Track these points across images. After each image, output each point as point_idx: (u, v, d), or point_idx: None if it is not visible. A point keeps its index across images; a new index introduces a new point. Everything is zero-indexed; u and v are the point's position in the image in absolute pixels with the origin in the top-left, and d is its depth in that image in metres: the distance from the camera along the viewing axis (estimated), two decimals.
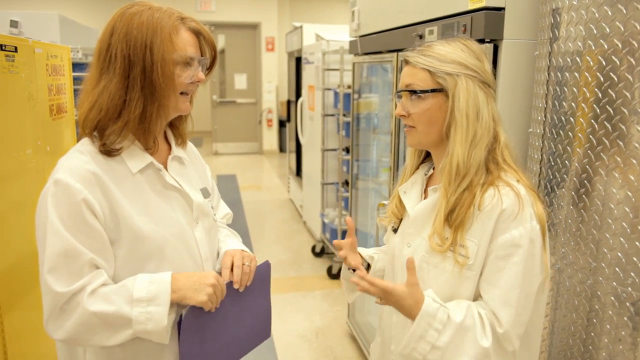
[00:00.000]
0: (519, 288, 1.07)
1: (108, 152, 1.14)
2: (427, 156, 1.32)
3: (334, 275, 4.12)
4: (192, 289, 1.12)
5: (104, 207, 1.10)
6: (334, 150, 4.45)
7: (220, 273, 1.27)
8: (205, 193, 1.34)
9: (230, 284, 1.23)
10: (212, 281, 1.15)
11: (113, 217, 1.11)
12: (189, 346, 1.16)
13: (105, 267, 1.11)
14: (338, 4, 10.53)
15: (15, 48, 1.85)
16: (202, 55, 1.20)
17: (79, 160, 1.11)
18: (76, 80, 2.64)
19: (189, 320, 1.14)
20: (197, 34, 1.18)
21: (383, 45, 2.47)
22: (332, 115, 4.40)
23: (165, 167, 1.24)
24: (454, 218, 1.12)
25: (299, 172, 6.03)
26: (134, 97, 1.11)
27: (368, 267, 1.41)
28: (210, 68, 1.24)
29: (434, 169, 1.29)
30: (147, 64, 1.10)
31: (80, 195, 1.06)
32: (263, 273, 1.34)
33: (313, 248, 4.68)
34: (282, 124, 9.81)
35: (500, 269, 1.09)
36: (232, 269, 1.25)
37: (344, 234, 4.13)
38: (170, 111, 1.19)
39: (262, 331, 1.38)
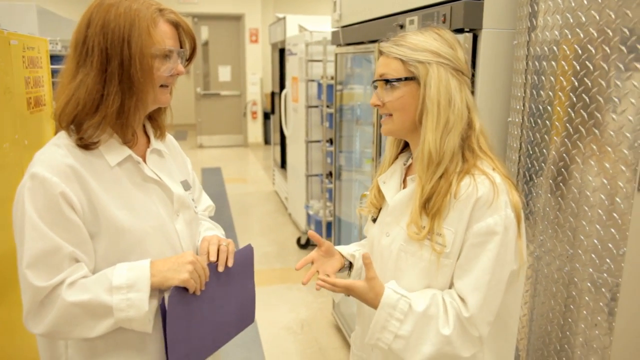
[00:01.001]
0: (489, 274, 1.09)
1: (85, 145, 1.12)
2: (406, 146, 1.33)
3: None
4: (171, 269, 1.12)
5: (82, 200, 1.08)
6: (318, 142, 4.44)
7: None
8: (186, 185, 1.33)
9: (212, 267, 1.22)
10: (191, 258, 1.14)
11: (92, 210, 1.10)
12: (175, 330, 1.15)
13: (86, 261, 1.10)
14: None
15: None
16: (181, 47, 1.18)
17: (56, 153, 1.10)
18: (55, 72, 2.60)
19: (173, 302, 1.13)
20: (176, 25, 1.17)
21: (365, 35, 2.47)
22: (316, 106, 4.39)
23: (144, 160, 1.23)
24: (431, 206, 1.13)
25: (283, 164, 6.02)
26: (112, 91, 1.09)
27: (350, 266, 1.41)
28: (189, 59, 1.23)
29: (412, 158, 1.29)
30: (125, 58, 1.08)
31: (58, 189, 1.05)
32: (246, 256, 1.34)
33: (298, 240, 4.69)
34: (266, 116, 9.77)
35: (475, 256, 1.10)
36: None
37: (328, 225, 4.14)
38: (149, 104, 1.17)
39: (246, 316, 1.38)
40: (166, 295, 1.13)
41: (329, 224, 4.15)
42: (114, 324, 1.08)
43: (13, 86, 2.01)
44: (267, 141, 10.07)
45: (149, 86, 1.13)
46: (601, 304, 1.28)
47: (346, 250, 1.41)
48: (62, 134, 1.14)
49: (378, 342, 1.15)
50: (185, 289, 1.15)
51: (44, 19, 3.60)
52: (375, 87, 1.22)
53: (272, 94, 6.64)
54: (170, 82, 1.19)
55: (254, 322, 3.27)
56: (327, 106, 3.97)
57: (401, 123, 1.19)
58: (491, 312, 1.11)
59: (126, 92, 1.10)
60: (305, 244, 4.62)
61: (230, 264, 1.25)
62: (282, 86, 5.72)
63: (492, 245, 1.09)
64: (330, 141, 4.01)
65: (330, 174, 4.03)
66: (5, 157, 1.92)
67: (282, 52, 5.74)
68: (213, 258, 1.22)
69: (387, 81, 1.17)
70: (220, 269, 1.23)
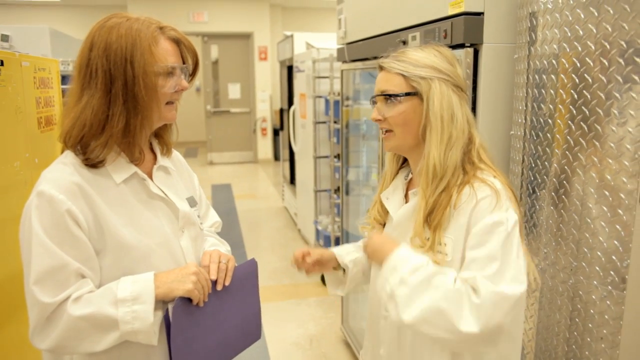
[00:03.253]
0: (496, 256, 1.05)
1: (92, 164, 1.14)
2: (405, 161, 1.34)
3: None
4: (176, 280, 1.14)
5: (88, 217, 1.10)
6: (326, 157, 4.46)
7: None
8: (192, 202, 1.34)
9: (214, 280, 1.24)
10: (194, 269, 1.16)
11: (97, 227, 1.11)
12: (180, 341, 1.16)
13: (92, 277, 1.11)
14: (329, 13, 10.60)
15: (1, 62, 1.87)
16: (183, 63, 1.21)
17: (62, 171, 1.12)
18: (66, 92, 2.65)
19: (177, 312, 1.14)
20: (177, 42, 1.19)
21: (369, 51, 2.50)
22: (324, 122, 4.42)
23: (151, 177, 1.24)
24: (432, 219, 1.13)
25: (293, 180, 6.04)
26: (117, 111, 1.11)
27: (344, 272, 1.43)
28: (192, 75, 1.25)
29: (412, 173, 1.30)
30: (128, 78, 1.10)
31: (64, 207, 1.07)
32: (249, 271, 1.34)
33: None
34: (276, 133, 9.84)
35: (476, 258, 1.06)
36: None
37: (337, 240, 4.14)
38: (155, 122, 1.19)
39: (252, 332, 1.38)
40: (170, 307, 1.14)
41: (337, 239, 4.14)
42: (119, 337, 1.09)
43: (24, 106, 2.06)
44: (277, 157, 10.12)
45: (153, 104, 1.14)
46: (606, 316, 1.26)
47: (342, 258, 1.43)
48: (69, 152, 1.16)
49: (385, 285, 1.11)
50: (189, 300, 1.16)
51: (56, 40, 3.69)
52: (374, 103, 1.23)
53: (281, 110, 6.69)
54: (175, 99, 1.21)
55: (262, 338, 3.26)
56: (335, 122, 3.99)
57: (403, 139, 1.20)
58: (501, 294, 1.01)
59: (131, 111, 1.12)
60: None
61: (227, 283, 1.26)
62: (290, 103, 5.76)
63: (492, 243, 1.05)
64: (338, 156, 4.03)
65: (338, 189, 4.04)
66: (16, 175, 1.96)
67: (290, 69, 5.80)
68: (213, 277, 1.23)
69: (389, 96, 1.18)
70: (219, 287, 1.24)
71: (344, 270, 1.43)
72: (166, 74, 1.15)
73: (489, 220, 1.07)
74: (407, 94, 1.16)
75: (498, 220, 1.06)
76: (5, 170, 1.88)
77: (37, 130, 2.20)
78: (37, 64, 2.24)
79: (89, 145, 1.13)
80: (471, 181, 1.13)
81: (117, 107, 1.11)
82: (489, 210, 1.08)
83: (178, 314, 1.14)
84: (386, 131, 1.23)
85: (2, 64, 1.87)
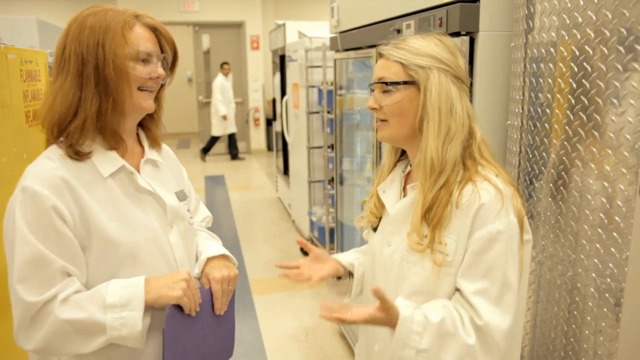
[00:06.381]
0: (497, 282, 1.06)
1: (77, 154, 1.11)
2: (404, 153, 1.31)
3: None
4: (165, 286, 1.12)
5: (74, 213, 1.08)
6: (320, 147, 4.43)
7: (199, 278, 1.28)
8: (181, 196, 1.32)
9: (204, 292, 1.22)
10: (185, 276, 1.15)
11: (84, 223, 1.09)
12: (173, 349, 1.15)
13: (78, 275, 1.09)
14: (321, 1, 10.49)
15: None
16: (162, 52, 1.18)
17: (47, 166, 1.09)
18: None
19: (170, 322, 1.13)
20: (153, 29, 1.17)
21: (362, 40, 2.46)
22: (317, 112, 4.38)
23: (138, 171, 1.21)
24: (432, 217, 1.10)
25: (286, 170, 6.01)
26: (89, 94, 1.10)
27: (350, 275, 1.38)
28: (172, 67, 1.22)
29: (411, 165, 1.27)
30: (99, 61, 1.09)
31: (49, 202, 1.04)
32: None
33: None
34: (269, 123, 9.78)
35: (477, 263, 1.07)
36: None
37: (331, 231, 4.12)
38: (128, 108, 1.15)
39: (227, 348, 1.37)
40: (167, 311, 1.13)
41: (331, 230, 4.12)
42: (106, 341, 1.07)
43: (10, 100, 2.01)
44: (270, 148, 10.06)
45: (124, 86, 1.12)
46: (605, 309, 1.25)
47: (345, 259, 1.39)
48: (54, 146, 1.14)
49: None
50: (181, 309, 1.15)
51: (44, 31, 3.61)
52: (372, 90, 1.20)
53: (274, 100, 6.64)
54: (151, 87, 1.17)
55: (257, 330, 3.25)
56: (328, 112, 3.95)
57: (398, 129, 1.16)
58: (504, 319, 1.06)
59: (102, 94, 1.11)
60: None
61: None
62: (283, 92, 5.71)
63: (493, 253, 1.06)
64: (332, 147, 4.00)
65: (332, 179, 4.02)
66: (4, 170, 1.92)
67: (282, 58, 5.74)
68: (218, 311, 1.25)
69: (386, 84, 1.14)
70: (221, 312, 1.26)
71: (350, 275, 1.37)
72: (138, 58, 1.13)
73: (493, 229, 1.06)
74: (405, 83, 1.12)
75: (502, 228, 1.06)
76: None
77: (24, 125, 2.15)
78: (23, 57, 2.19)
79: (67, 129, 1.11)
80: (473, 178, 1.10)
81: (89, 90, 1.10)
82: (493, 214, 1.06)
83: (171, 324, 1.13)
84: (381, 120, 1.19)
85: None
